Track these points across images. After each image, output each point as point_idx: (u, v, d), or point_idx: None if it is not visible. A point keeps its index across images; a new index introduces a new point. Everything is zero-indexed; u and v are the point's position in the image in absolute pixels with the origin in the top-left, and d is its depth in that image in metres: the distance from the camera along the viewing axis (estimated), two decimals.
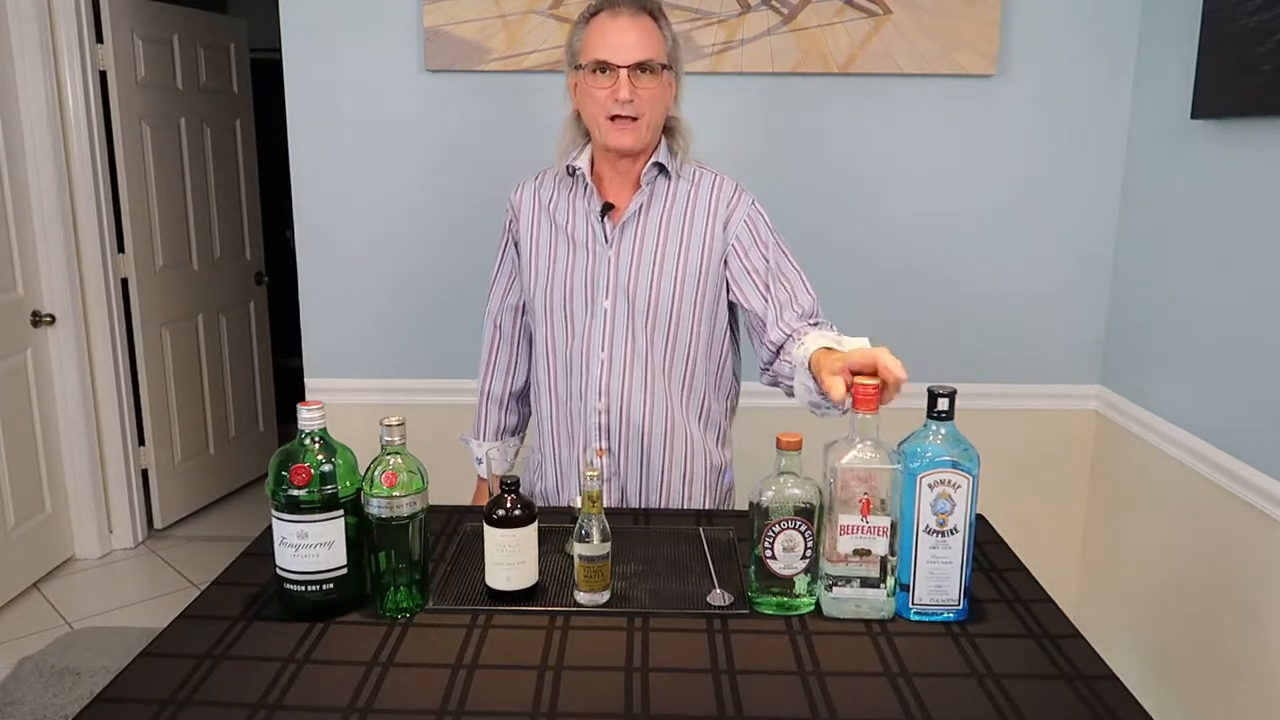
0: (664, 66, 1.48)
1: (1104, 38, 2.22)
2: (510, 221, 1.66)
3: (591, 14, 1.49)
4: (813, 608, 1.23)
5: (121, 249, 3.44)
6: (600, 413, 1.57)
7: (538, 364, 1.65)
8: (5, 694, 2.52)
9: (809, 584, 1.22)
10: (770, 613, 1.22)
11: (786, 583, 1.21)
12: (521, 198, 1.65)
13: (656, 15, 1.49)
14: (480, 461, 1.77)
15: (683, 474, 1.61)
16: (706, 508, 1.64)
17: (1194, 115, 1.93)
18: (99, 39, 3.29)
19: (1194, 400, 1.99)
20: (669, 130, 1.55)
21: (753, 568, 1.23)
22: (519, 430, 1.80)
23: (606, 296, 1.54)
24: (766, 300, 1.53)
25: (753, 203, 1.56)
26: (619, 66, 1.44)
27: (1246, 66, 1.75)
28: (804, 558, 1.20)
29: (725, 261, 1.55)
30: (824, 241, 2.31)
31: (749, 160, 2.23)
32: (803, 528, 1.19)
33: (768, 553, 1.20)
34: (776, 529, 1.19)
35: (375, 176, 2.32)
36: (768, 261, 1.54)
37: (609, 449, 1.58)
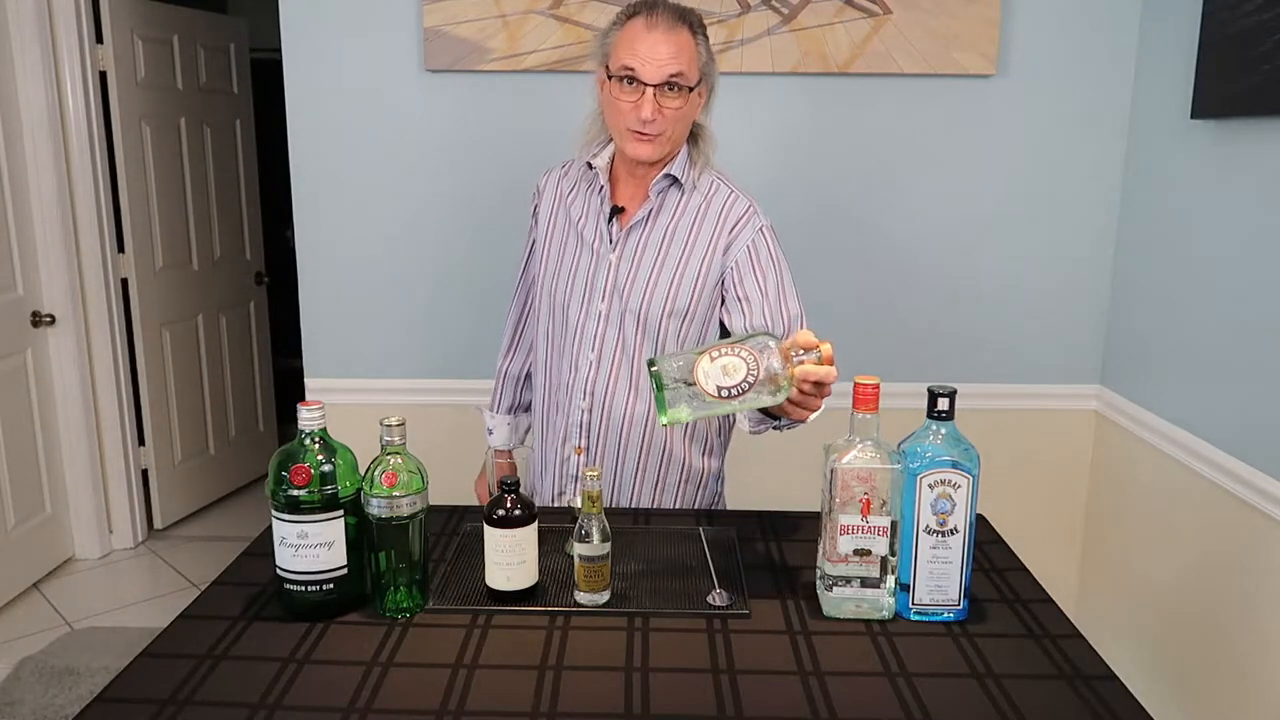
0: (693, 86, 1.44)
1: (1104, 38, 2.22)
2: (535, 208, 1.67)
3: (629, 15, 1.44)
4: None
5: (121, 249, 3.44)
6: (583, 410, 1.57)
7: (537, 349, 1.67)
8: (5, 694, 2.52)
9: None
10: (668, 418, 1.16)
11: (698, 397, 1.15)
12: (545, 185, 1.65)
13: (695, 29, 1.45)
14: (491, 432, 1.81)
15: (654, 482, 1.61)
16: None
17: (1194, 115, 1.93)
18: (99, 39, 3.29)
19: (1194, 400, 1.99)
20: (692, 137, 1.53)
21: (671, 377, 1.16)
22: (531, 409, 1.82)
23: (602, 299, 1.54)
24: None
25: (760, 229, 1.51)
26: (646, 84, 1.40)
27: (1246, 66, 1.75)
28: (738, 387, 1.14)
29: (721, 282, 1.53)
30: (824, 242, 2.31)
31: (748, 161, 2.24)
32: (751, 360, 1.14)
33: (701, 366, 1.14)
34: (725, 352, 1.14)
35: (375, 177, 2.32)
36: (764, 294, 1.50)
37: (587, 447, 1.59)
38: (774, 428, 1.43)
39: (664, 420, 1.17)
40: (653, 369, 1.17)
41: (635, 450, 1.59)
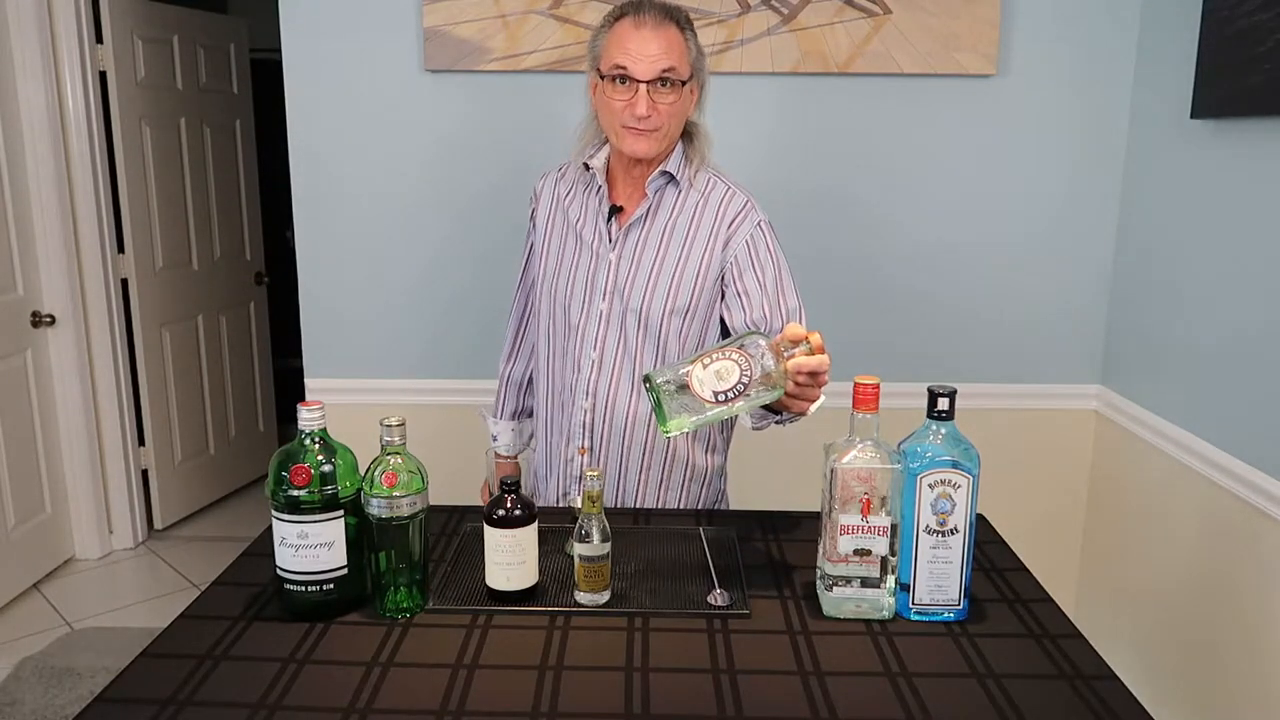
0: (685, 81, 1.45)
1: (1104, 37, 2.22)
2: (532, 211, 1.68)
3: (616, 17, 1.46)
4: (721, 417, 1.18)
5: (121, 249, 3.44)
6: (586, 410, 1.58)
7: (538, 351, 1.67)
8: (5, 694, 2.52)
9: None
10: (674, 430, 1.18)
11: (696, 404, 1.17)
12: (543, 188, 1.66)
13: (683, 25, 1.46)
14: (495, 438, 1.81)
15: (658, 480, 1.61)
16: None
17: (1194, 115, 1.93)
18: (99, 39, 3.29)
19: (1194, 400, 1.99)
20: (687, 135, 1.53)
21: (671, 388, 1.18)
22: (534, 414, 1.82)
23: (603, 298, 1.55)
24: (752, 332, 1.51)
25: (758, 223, 1.52)
26: (639, 81, 1.42)
27: (1246, 66, 1.75)
28: (734, 390, 1.16)
29: (721, 279, 1.54)
30: (823, 241, 2.31)
31: (748, 161, 2.24)
32: (743, 361, 1.15)
33: (695, 374, 1.16)
34: (716, 357, 1.16)
35: (375, 177, 2.32)
36: (763, 288, 1.51)
37: (590, 447, 1.59)
38: (775, 422, 1.43)
39: (666, 432, 1.19)
40: (648, 383, 1.18)
41: (639, 449, 1.59)
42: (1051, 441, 2.41)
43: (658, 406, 1.17)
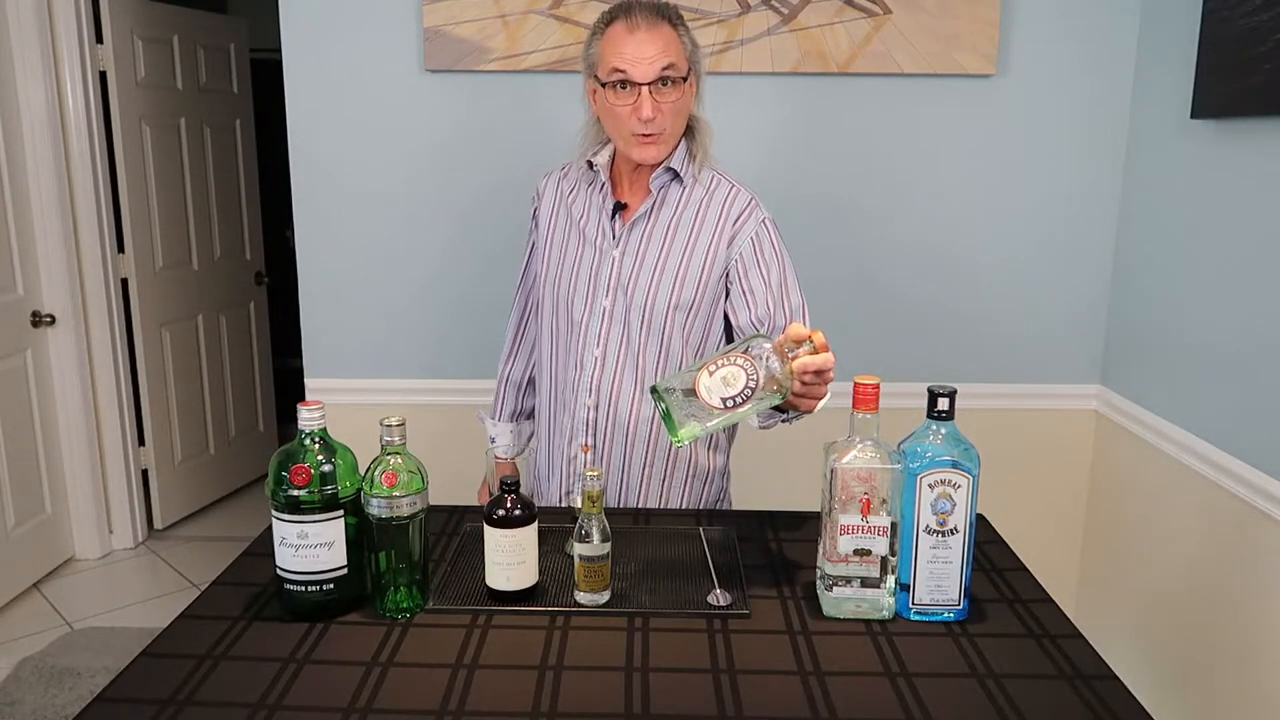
0: (685, 76, 1.45)
1: (1104, 37, 2.22)
2: (535, 210, 1.67)
3: (607, 22, 1.45)
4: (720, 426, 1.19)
5: (121, 249, 3.44)
6: (589, 408, 1.58)
7: (541, 349, 1.67)
8: (5, 694, 2.52)
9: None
10: (682, 438, 1.18)
11: (704, 412, 1.17)
12: (546, 186, 1.66)
13: (674, 21, 1.46)
14: (494, 440, 1.80)
15: (661, 478, 1.61)
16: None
17: (1194, 115, 1.93)
18: (99, 39, 3.29)
19: (1194, 400, 1.99)
20: (688, 130, 1.54)
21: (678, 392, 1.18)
22: (534, 414, 1.82)
23: (606, 295, 1.55)
24: (757, 329, 1.51)
25: (763, 221, 1.53)
26: (640, 84, 1.42)
27: (1246, 66, 1.75)
28: (741, 395, 1.16)
29: (725, 275, 1.54)
30: (823, 241, 2.31)
31: (748, 161, 2.23)
32: (748, 365, 1.16)
33: (701, 382, 1.17)
34: (721, 363, 1.17)
35: (375, 177, 2.32)
36: (768, 286, 1.51)
37: (593, 445, 1.59)
38: (783, 420, 1.44)
39: (677, 441, 1.19)
40: (655, 393, 1.19)
41: (642, 447, 1.59)
42: (1051, 441, 2.41)
43: (666, 416, 1.18)
